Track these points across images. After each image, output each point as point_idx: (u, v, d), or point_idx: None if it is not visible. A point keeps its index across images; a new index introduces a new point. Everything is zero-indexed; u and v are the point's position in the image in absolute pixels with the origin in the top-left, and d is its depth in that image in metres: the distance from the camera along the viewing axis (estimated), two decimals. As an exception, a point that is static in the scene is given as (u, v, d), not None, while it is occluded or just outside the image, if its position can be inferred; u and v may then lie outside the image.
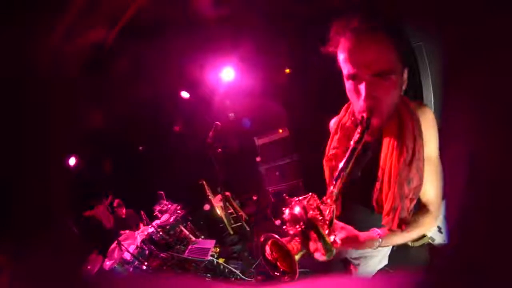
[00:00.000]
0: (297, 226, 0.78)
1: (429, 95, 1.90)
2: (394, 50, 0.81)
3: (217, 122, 2.92)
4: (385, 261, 1.14)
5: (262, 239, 0.79)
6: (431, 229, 0.96)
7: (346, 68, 0.87)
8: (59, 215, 0.73)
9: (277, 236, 0.76)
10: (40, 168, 0.65)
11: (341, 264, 1.11)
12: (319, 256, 0.76)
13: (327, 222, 0.79)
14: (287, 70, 3.64)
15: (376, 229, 0.94)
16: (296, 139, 3.76)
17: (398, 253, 1.04)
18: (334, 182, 0.83)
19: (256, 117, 4.09)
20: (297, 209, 0.80)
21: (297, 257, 0.74)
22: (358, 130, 0.86)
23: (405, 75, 0.90)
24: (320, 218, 0.78)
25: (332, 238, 0.76)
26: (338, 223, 0.92)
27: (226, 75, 3.54)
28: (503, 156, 0.49)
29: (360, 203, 1.00)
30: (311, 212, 0.78)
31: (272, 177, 3.86)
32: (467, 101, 0.57)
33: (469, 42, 0.57)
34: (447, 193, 0.86)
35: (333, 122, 1.13)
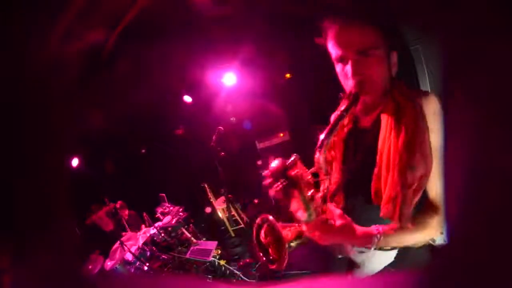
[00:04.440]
0: (281, 181, 0.77)
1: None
2: (377, 29, 0.84)
3: (220, 127, 3.00)
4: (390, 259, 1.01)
5: (259, 220, 0.79)
6: (438, 233, 0.87)
7: (333, 53, 0.91)
8: (60, 216, 0.73)
9: (273, 220, 0.76)
10: (40, 169, 0.66)
11: (341, 264, 1.10)
12: (301, 215, 0.76)
13: (321, 194, 0.79)
14: (288, 75, 3.64)
15: (377, 226, 0.87)
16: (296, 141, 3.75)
17: (399, 253, 1.03)
18: (319, 150, 0.82)
19: (257, 121, 4.10)
20: (275, 163, 0.81)
21: (293, 244, 0.75)
22: (345, 103, 0.87)
23: (394, 58, 0.91)
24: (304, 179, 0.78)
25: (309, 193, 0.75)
26: (336, 210, 0.87)
27: (228, 78, 3.56)
28: (503, 156, 0.49)
29: (361, 196, 0.94)
30: (297, 170, 0.78)
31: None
32: (466, 102, 0.56)
33: (469, 42, 0.57)
34: (447, 193, 0.84)
35: (333, 115, 1.09)
